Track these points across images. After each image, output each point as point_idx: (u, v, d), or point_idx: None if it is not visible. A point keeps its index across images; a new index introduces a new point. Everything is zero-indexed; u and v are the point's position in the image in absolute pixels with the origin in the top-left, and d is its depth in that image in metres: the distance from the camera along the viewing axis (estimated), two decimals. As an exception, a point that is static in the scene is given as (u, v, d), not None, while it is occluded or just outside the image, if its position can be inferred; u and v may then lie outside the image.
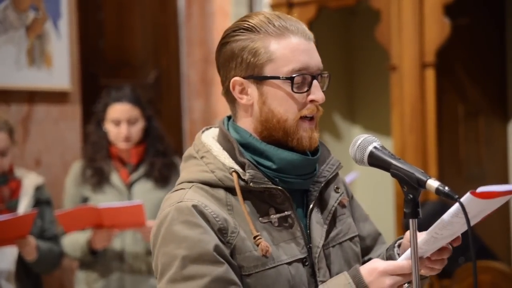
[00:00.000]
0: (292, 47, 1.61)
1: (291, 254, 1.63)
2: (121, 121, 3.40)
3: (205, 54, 4.75)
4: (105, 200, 3.31)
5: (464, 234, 1.57)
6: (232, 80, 1.65)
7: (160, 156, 3.45)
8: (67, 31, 4.04)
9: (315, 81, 1.63)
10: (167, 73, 4.75)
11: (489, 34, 4.65)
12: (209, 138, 1.69)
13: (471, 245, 1.42)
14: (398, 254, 1.69)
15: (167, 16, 4.75)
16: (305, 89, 1.63)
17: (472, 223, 1.49)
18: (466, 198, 1.45)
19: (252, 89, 1.64)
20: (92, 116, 3.54)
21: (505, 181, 4.61)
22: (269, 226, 1.63)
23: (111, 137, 3.42)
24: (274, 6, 4.45)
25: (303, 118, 1.63)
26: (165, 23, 4.74)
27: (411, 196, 1.51)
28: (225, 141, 1.66)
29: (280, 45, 1.61)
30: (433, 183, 1.48)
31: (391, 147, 4.13)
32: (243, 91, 1.65)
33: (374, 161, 1.58)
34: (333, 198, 1.73)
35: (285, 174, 1.63)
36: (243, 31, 1.63)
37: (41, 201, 3.34)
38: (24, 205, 3.27)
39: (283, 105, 1.62)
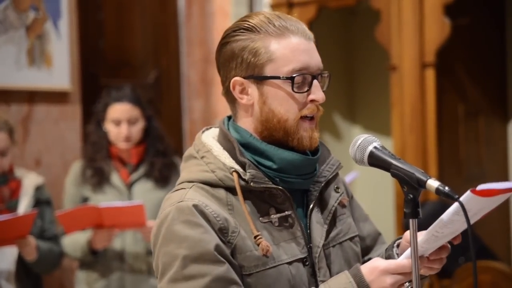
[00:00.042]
0: (292, 47, 1.62)
1: (292, 254, 1.63)
2: (122, 121, 3.40)
3: (205, 54, 4.75)
4: (105, 200, 3.31)
5: (464, 234, 1.57)
6: (232, 80, 1.65)
7: (160, 156, 3.45)
8: (67, 31, 4.04)
9: (315, 81, 1.64)
10: (167, 73, 4.75)
11: (489, 34, 4.65)
12: (209, 138, 1.70)
13: (471, 245, 1.42)
14: (397, 254, 1.69)
15: (167, 16, 4.75)
16: (306, 89, 1.63)
17: (472, 221, 1.50)
18: (467, 196, 1.45)
19: (252, 89, 1.64)
20: (92, 116, 3.54)
21: (505, 181, 4.60)
22: (269, 226, 1.63)
23: (111, 137, 3.42)
24: (274, 6, 4.45)
25: (303, 118, 1.64)
26: (165, 23, 4.74)
27: (411, 196, 1.51)
28: (225, 141, 1.67)
29: (280, 45, 1.61)
30: (433, 183, 1.48)
31: (391, 147, 4.13)
32: (243, 91, 1.65)
33: (374, 161, 1.59)
34: (333, 198, 1.73)
35: (286, 174, 1.64)
36: (243, 31, 1.63)
37: (41, 201, 3.34)
38: (24, 205, 3.27)
39: (283, 105, 1.62)
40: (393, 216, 4.27)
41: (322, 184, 1.71)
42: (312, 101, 1.63)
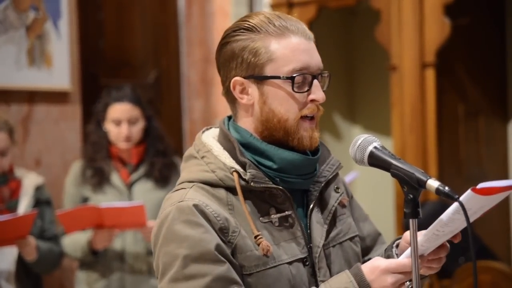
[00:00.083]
0: (292, 46, 1.62)
1: (292, 254, 1.63)
2: (122, 121, 3.40)
3: (205, 54, 4.75)
4: (105, 200, 3.31)
5: (464, 234, 1.57)
6: (232, 80, 1.65)
7: (160, 156, 3.45)
8: (67, 31, 4.04)
9: (315, 81, 1.64)
10: (167, 73, 4.75)
11: (489, 34, 4.65)
12: (210, 138, 1.70)
13: (471, 245, 1.42)
14: (397, 254, 1.69)
15: (167, 16, 4.75)
16: (306, 88, 1.63)
17: (472, 219, 1.50)
18: (467, 195, 1.45)
19: (252, 89, 1.64)
20: (92, 116, 3.54)
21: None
22: (269, 226, 1.63)
23: (111, 137, 3.42)
24: (274, 6, 4.45)
25: (303, 117, 1.64)
26: (165, 23, 4.74)
27: (411, 196, 1.51)
28: (225, 141, 1.67)
29: (280, 45, 1.62)
30: (433, 183, 1.48)
31: (391, 147, 4.13)
32: (243, 91, 1.65)
33: (374, 161, 1.59)
34: (333, 198, 1.73)
35: (286, 174, 1.64)
36: (244, 31, 1.63)
37: (41, 201, 3.34)
38: (24, 205, 3.27)
39: (283, 104, 1.62)
40: (393, 216, 4.27)
41: (322, 184, 1.71)
42: (312, 101, 1.64)
